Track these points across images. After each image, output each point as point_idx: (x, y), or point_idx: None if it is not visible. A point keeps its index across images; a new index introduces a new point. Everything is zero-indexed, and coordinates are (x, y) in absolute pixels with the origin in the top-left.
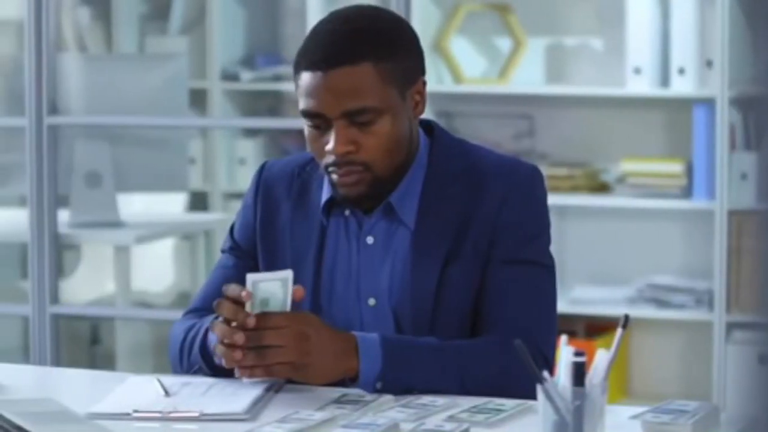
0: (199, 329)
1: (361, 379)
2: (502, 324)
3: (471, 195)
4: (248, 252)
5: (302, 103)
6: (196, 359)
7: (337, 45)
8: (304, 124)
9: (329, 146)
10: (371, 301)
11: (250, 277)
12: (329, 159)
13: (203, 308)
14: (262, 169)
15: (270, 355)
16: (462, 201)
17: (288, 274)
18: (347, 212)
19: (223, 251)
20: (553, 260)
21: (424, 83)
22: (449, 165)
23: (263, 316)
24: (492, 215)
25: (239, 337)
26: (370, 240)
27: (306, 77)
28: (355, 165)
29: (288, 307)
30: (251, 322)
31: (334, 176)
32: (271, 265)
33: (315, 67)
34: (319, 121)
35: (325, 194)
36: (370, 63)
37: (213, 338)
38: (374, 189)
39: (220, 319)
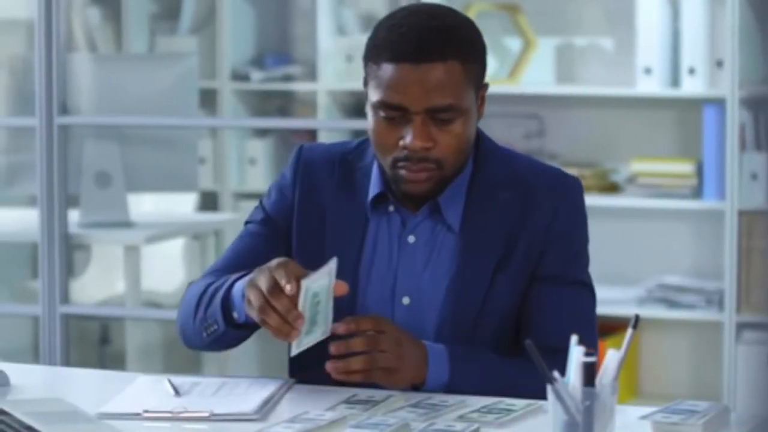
0: (224, 282)
1: (426, 389)
2: (547, 344)
3: (522, 204)
4: (281, 229)
5: (381, 94)
6: (214, 312)
7: (430, 40)
8: (371, 115)
9: (407, 141)
10: (405, 300)
11: (305, 285)
12: (401, 153)
13: (225, 270)
14: (300, 150)
15: (380, 360)
16: (512, 209)
17: (333, 264)
18: (391, 208)
19: (249, 222)
20: (591, 278)
21: (486, 89)
22: (495, 171)
23: (375, 320)
24: (544, 227)
25: (288, 331)
26: (411, 239)
27: (389, 69)
28: (428, 162)
29: (332, 295)
30: (351, 327)
31: (403, 171)
32: (305, 247)
33: (403, 60)
34: (397, 114)
35: (375, 188)
36: (459, 62)
37: (238, 291)
38: (439, 187)
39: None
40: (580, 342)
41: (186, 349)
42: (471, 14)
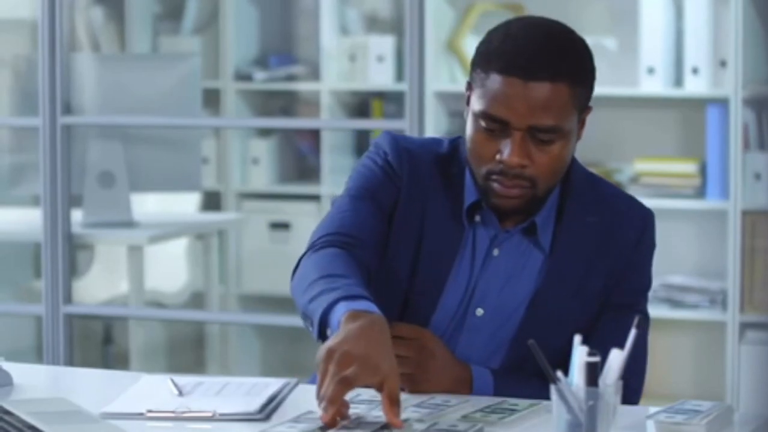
0: (333, 290)
1: None
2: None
3: (607, 229)
4: (385, 210)
5: (486, 104)
6: (312, 314)
7: (542, 57)
8: (471, 123)
9: (504, 155)
10: (479, 312)
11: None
12: (496, 166)
13: (336, 233)
14: (396, 139)
15: (400, 365)
16: (598, 233)
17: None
18: (477, 218)
19: (351, 193)
20: None
21: (590, 111)
22: (586, 194)
23: (393, 326)
24: (626, 254)
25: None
26: (495, 252)
27: (498, 80)
28: (523, 179)
29: None
30: None
31: (496, 184)
32: (402, 241)
33: (513, 73)
34: (498, 126)
35: (470, 197)
36: (568, 84)
37: (336, 318)
38: (529, 206)
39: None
40: (633, 374)
41: (189, 349)
42: (475, 14)
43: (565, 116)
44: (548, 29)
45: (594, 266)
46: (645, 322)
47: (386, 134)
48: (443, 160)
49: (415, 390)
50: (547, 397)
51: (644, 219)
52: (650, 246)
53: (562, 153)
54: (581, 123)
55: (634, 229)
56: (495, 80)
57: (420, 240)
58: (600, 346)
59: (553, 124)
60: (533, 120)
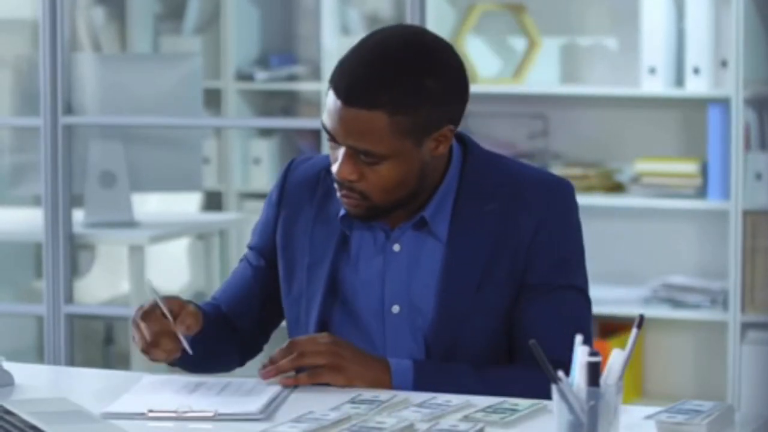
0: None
1: None
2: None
3: (506, 214)
4: (262, 251)
5: (323, 115)
6: None
7: (359, 85)
8: None
9: (334, 167)
10: (395, 309)
11: None
12: (335, 176)
13: (219, 300)
14: (288, 168)
15: (307, 359)
16: (498, 220)
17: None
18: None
19: (249, 247)
20: (587, 282)
21: (451, 130)
22: (484, 180)
23: (292, 340)
24: (529, 236)
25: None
26: (396, 248)
27: (330, 95)
28: (353, 192)
29: None
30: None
31: (338, 193)
32: (290, 269)
33: (336, 94)
34: (332, 137)
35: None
36: (386, 113)
37: None
38: (373, 214)
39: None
40: (569, 346)
41: None
42: (475, 14)
43: (384, 143)
44: (387, 51)
45: (496, 254)
46: (576, 295)
47: (287, 163)
48: (330, 173)
49: (338, 380)
50: (471, 386)
51: (549, 193)
52: (560, 220)
53: (393, 174)
54: (443, 137)
55: (535, 207)
56: (330, 95)
57: (302, 258)
58: (520, 328)
59: (368, 149)
60: (351, 141)
